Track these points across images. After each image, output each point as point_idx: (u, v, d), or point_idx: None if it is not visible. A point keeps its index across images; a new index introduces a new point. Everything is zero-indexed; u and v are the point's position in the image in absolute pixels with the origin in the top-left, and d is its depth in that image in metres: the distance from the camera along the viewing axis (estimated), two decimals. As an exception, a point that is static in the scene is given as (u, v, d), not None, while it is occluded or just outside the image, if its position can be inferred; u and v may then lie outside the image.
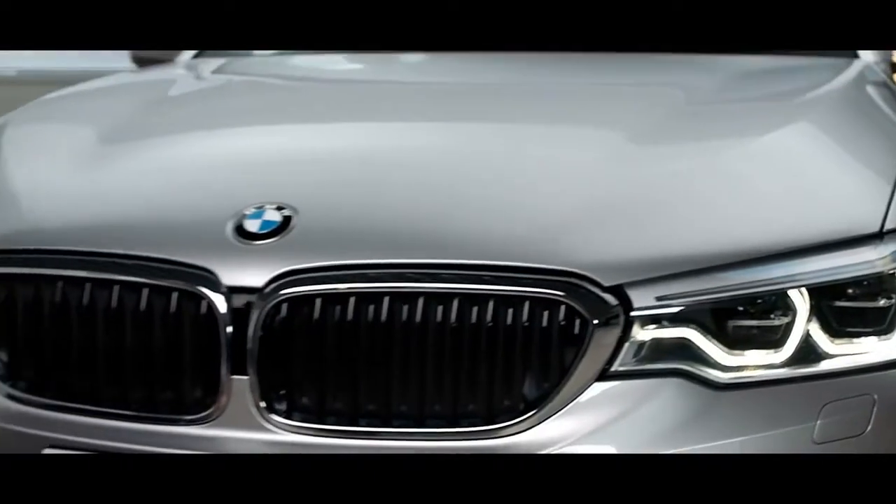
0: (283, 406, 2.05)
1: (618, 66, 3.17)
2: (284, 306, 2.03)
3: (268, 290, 2.04)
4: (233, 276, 2.06)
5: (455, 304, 1.99)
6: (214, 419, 2.07)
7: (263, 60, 3.57)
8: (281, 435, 2.05)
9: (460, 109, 2.76)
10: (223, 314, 2.04)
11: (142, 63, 4.03)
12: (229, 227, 2.11)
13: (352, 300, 2.01)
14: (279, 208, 2.12)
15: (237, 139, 2.62)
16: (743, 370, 2.05)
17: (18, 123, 2.85)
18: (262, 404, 2.05)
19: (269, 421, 2.05)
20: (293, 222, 2.09)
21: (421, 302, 2.00)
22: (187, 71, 3.46)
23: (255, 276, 2.05)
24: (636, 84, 3.02)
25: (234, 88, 3.28)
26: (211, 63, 3.50)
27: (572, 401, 2.00)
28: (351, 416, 2.04)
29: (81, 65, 7.54)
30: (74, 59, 7.78)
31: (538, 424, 2.00)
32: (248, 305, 2.04)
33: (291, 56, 3.59)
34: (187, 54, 3.69)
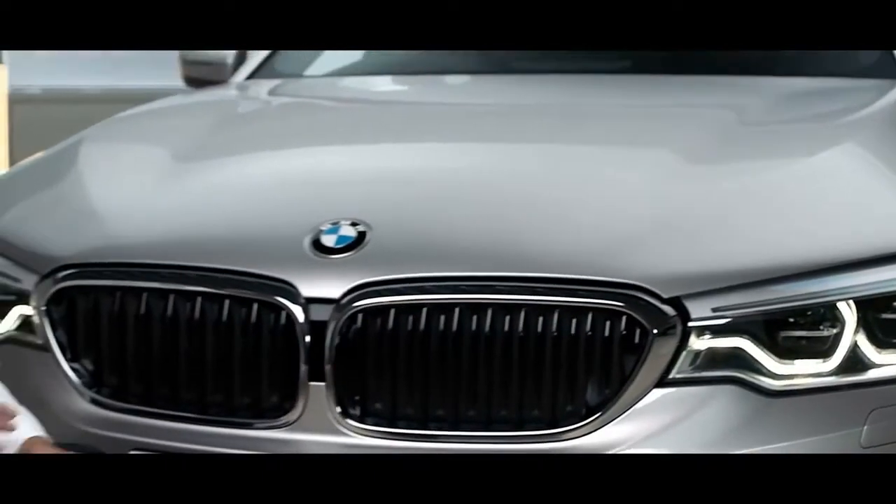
0: (356, 411, 2.19)
1: (666, 88, 3.32)
2: (360, 317, 2.17)
3: (344, 301, 2.18)
4: (311, 287, 2.20)
5: (522, 314, 2.13)
6: (292, 423, 2.21)
7: (314, 82, 3.72)
8: (355, 438, 2.18)
9: (517, 130, 2.90)
10: (302, 324, 2.18)
11: (193, 83, 4.20)
12: (307, 242, 2.25)
13: (424, 311, 2.15)
14: (353, 224, 2.26)
15: (305, 157, 2.77)
16: (793, 378, 2.18)
17: (94, 141, 3.00)
18: (338, 409, 2.18)
19: (343, 425, 2.18)
20: (367, 237, 2.23)
21: (489, 312, 2.14)
22: (243, 91, 3.61)
23: (332, 288, 2.19)
24: (687, 105, 3.17)
25: (293, 109, 3.43)
26: (263, 84, 3.66)
27: (632, 406, 2.13)
28: (421, 421, 2.18)
29: (133, 83, 7.76)
30: (125, 76, 8.00)
31: (600, 428, 2.13)
32: (325, 316, 2.18)
33: (340, 78, 3.75)
34: (240, 75, 3.85)
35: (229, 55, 3.96)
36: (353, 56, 4.17)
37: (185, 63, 4.14)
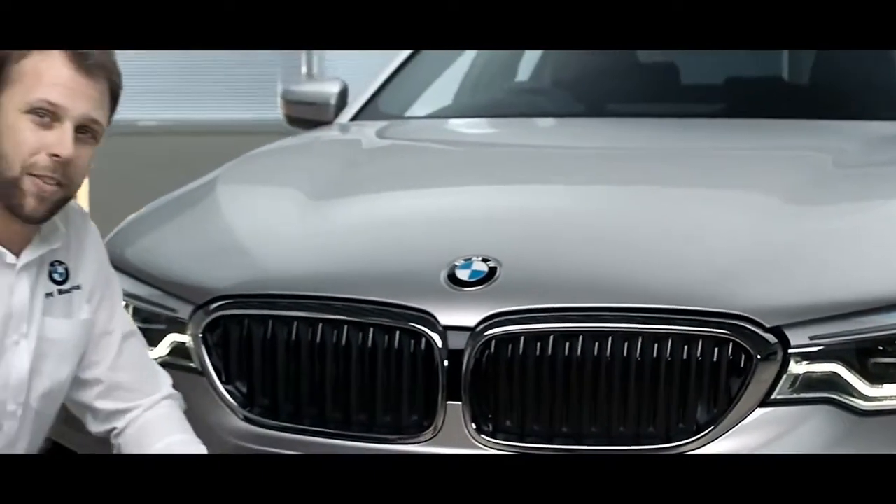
0: (489, 427, 2.50)
1: (761, 132, 3.64)
2: (493, 343, 2.48)
3: (478, 329, 2.49)
4: (448, 317, 2.51)
5: (639, 341, 2.44)
6: (430, 439, 2.52)
7: (421, 124, 4.06)
8: (487, 451, 2.49)
9: (621, 172, 3.23)
10: (440, 349, 2.50)
11: (295, 122, 4.53)
12: (443, 276, 2.57)
13: (550, 338, 2.46)
14: (485, 260, 2.57)
15: (430, 197, 3.11)
16: (882, 400, 2.47)
17: (230, 181, 3.35)
18: (473, 426, 2.49)
19: (477, 440, 2.49)
20: (498, 272, 2.55)
21: (610, 340, 2.45)
22: (356, 132, 3.94)
23: (467, 317, 2.50)
24: (782, 148, 3.49)
25: (408, 150, 3.77)
26: (372, 126, 3.98)
27: (737, 424, 2.43)
28: (547, 436, 2.48)
29: (223, 115, 8.11)
30: (215, 109, 8.34)
31: (709, 444, 2.43)
32: (461, 343, 2.49)
33: (444, 121, 4.09)
34: (344, 116, 4.17)
35: (332, 96, 4.29)
36: (449, 98, 4.52)
37: (288, 102, 4.46)
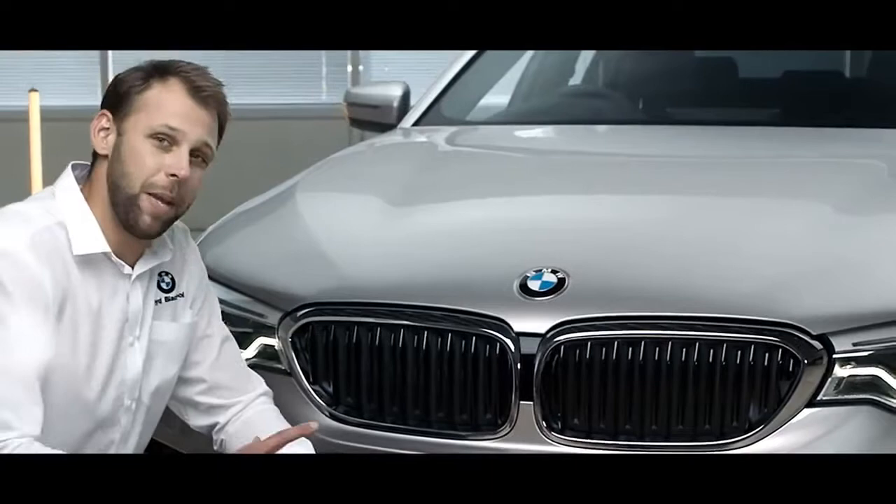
0: (558, 425, 2.81)
1: (816, 141, 3.94)
2: (562, 348, 2.78)
3: (549, 335, 2.80)
4: (521, 324, 2.82)
5: (696, 347, 2.75)
6: (504, 435, 2.83)
7: (488, 131, 4.38)
8: (556, 447, 2.80)
9: (680, 181, 3.55)
10: (514, 354, 2.80)
11: (358, 125, 4.85)
12: (515, 286, 2.88)
13: (615, 344, 2.77)
14: (554, 271, 2.88)
15: (502, 206, 3.43)
16: (922, 401, 2.77)
17: (309, 189, 3.67)
18: (543, 424, 2.80)
19: (547, 437, 2.80)
20: (567, 283, 2.85)
21: (669, 346, 2.75)
22: (424, 138, 4.25)
23: (538, 324, 2.81)
24: (837, 157, 3.80)
25: (477, 158, 4.12)
26: (439, 132, 4.29)
27: (786, 423, 2.73)
28: (612, 434, 2.79)
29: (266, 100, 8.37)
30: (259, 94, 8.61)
31: (760, 441, 2.73)
32: (533, 348, 2.80)
33: (512, 128, 4.41)
34: (408, 121, 4.45)
35: (395, 99, 4.59)
36: (510, 101, 4.82)
37: (351, 105, 4.77)
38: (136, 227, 2.58)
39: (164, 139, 2.56)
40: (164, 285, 2.73)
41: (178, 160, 2.56)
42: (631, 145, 4.11)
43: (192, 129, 2.57)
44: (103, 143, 2.59)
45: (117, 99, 2.59)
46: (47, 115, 8.12)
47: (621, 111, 4.52)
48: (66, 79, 9.50)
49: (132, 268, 2.64)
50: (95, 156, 2.62)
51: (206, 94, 2.59)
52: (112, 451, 2.68)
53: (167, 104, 2.57)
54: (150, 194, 2.56)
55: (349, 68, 9.26)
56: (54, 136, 7.77)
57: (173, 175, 2.55)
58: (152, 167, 2.55)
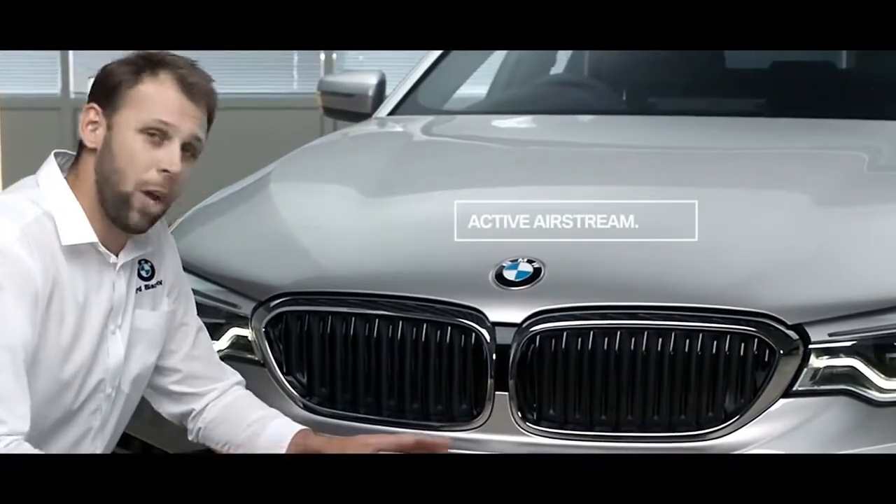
0: (533, 415, 2.95)
1: (800, 131, 4.11)
2: (538, 338, 2.92)
3: (524, 325, 2.94)
4: (496, 314, 2.97)
5: (672, 337, 2.90)
6: (479, 426, 2.97)
7: (465, 121, 4.52)
8: (532, 438, 2.94)
9: (660, 172, 3.71)
10: (489, 344, 2.95)
11: (332, 114, 4.99)
12: (491, 276, 3.02)
13: (591, 334, 2.91)
14: (530, 261, 3.03)
15: (477, 197, 3.56)
16: (897, 392, 2.92)
17: (282, 179, 3.81)
18: (518, 414, 2.94)
19: (523, 427, 2.94)
20: (543, 273, 3.00)
21: (645, 336, 2.90)
22: (399, 128, 4.39)
23: (514, 314, 2.95)
24: (820, 148, 3.97)
25: (453, 148, 4.27)
26: (415, 121, 4.43)
27: (762, 413, 2.88)
28: (587, 424, 2.93)
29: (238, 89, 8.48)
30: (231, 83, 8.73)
31: (736, 430, 2.88)
32: (508, 338, 2.95)
33: (489, 118, 4.55)
34: (384, 110, 4.59)
35: (370, 87, 4.74)
36: (489, 90, 4.98)
37: (325, 94, 4.91)
38: (124, 224, 2.73)
39: (156, 134, 2.70)
40: (143, 273, 2.88)
41: (170, 155, 2.70)
42: (611, 136, 4.27)
43: (183, 124, 2.71)
44: (92, 136, 2.73)
45: (107, 93, 2.72)
46: (5, 104, 8.23)
47: (603, 101, 4.67)
48: (23, 68, 9.60)
49: (116, 256, 2.78)
50: (81, 146, 2.75)
51: (198, 89, 2.74)
52: (90, 438, 2.83)
53: (159, 99, 2.71)
54: (143, 192, 2.70)
55: (322, 56, 9.35)
56: (13, 125, 7.90)
57: (165, 171, 2.69)
58: (144, 162, 2.69)
